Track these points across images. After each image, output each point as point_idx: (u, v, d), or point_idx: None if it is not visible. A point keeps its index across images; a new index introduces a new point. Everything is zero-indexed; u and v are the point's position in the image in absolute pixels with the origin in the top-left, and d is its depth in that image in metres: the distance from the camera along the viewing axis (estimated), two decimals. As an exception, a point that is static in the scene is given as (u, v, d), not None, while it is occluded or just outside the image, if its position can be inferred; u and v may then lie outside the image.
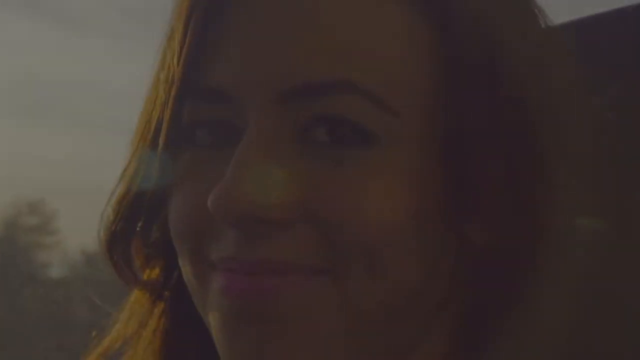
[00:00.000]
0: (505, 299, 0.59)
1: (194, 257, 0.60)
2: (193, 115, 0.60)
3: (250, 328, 0.57)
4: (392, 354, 0.59)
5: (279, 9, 0.58)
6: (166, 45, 0.61)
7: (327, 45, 0.57)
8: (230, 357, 0.58)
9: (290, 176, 0.57)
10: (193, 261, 0.60)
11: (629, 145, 0.67)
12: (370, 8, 0.58)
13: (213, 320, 0.59)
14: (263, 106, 0.57)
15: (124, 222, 0.63)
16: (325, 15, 0.58)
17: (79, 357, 0.68)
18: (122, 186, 0.63)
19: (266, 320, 0.57)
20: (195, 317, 0.62)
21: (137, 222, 0.63)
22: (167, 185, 0.61)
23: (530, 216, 0.58)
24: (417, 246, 0.57)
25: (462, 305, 0.60)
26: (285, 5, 0.58)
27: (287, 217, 0.56)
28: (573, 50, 0.63)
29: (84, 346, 0.68)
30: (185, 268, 0.61)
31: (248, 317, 0.57)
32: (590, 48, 0.70)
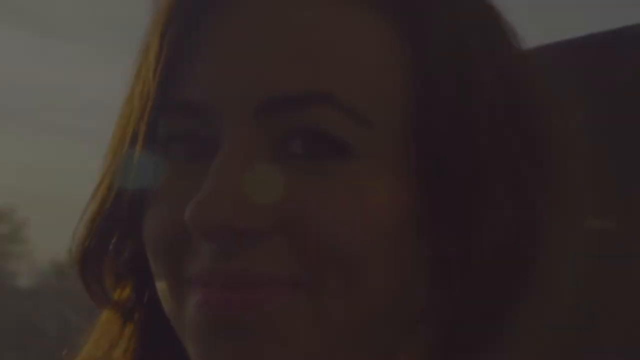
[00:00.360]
0: (482, 309, 0.59)
1: (169, 274, 0.59)
2: (169, 129, 0.59)
3: (227, 342, 0.56)
4: None
5: (254, 23, 0.58)
6: (141, 60, 0.61)
7: (303, 58, 0.57)
8: None
9: (266, 188, 0.56)
10: (169, 278, 0.59)
11: (599, 166, 0.68)
12: (346, 21, 0.58)
13: (190, 336, 0.58)
14: (239, 118, 0.57)
15: (96, 239, 0.62)
16: (300, 28, 0.58)
17: (48, 370, 0.68)
18: (95, 202, 0.63)
19: (242, 333, 0.56)
20: (167, 339, 0.62)
21: (110, 240, 0.63)
22: (142, 201, 0.61)
23: (504, 228, 0.58)
24: (393, 257, 0.57)
25: (440, 316, 0.60)
26: (261, 20, 0.58)
27: (264, 228, 0.56)
28: (543, 74, 0.64)
29: (52, 357, 0.68)
30: (161, 285, 0.60)
31: (224, 331, 0.57)
32: (559, 73, 0.71)
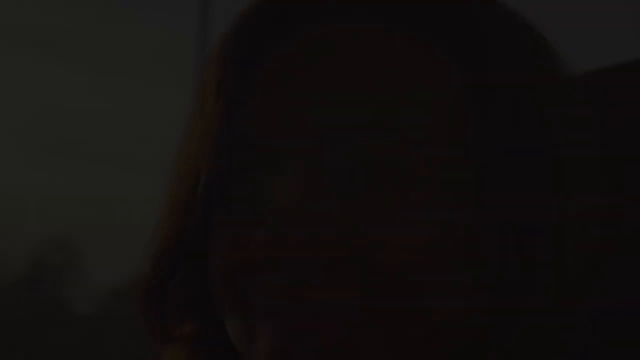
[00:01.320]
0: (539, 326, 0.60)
1: (239, 307, 0.60)
2: (230, 164, 0.61)
3: None
4: None
5: (309, 58, 0.60)
6: (200, 97, 0.63)
7: (359, 88, 0.59)
8: None
9: (331, 217, 0.58)
10: (238, 310, 0.60)
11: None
12: (398, 51, 0.60)
13: None
14: (299, 151, 0.59)
15: (161, 278, 0.64)
16: (353, 62, 0.60)
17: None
18: (159, 241, 0.64)
19: None
20: None
21: (174, 278, 0.64)
22: (205, 237, 0.62)
23: (557, 251, 0.59)
24: (457, 281, 0.58)
25: (504, 339, 0.60)
26: (315, 54, 0.60)
27: (331, 257, 0.57)
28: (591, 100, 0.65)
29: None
30: (231, 318, 0.61)
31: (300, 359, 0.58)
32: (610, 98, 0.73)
